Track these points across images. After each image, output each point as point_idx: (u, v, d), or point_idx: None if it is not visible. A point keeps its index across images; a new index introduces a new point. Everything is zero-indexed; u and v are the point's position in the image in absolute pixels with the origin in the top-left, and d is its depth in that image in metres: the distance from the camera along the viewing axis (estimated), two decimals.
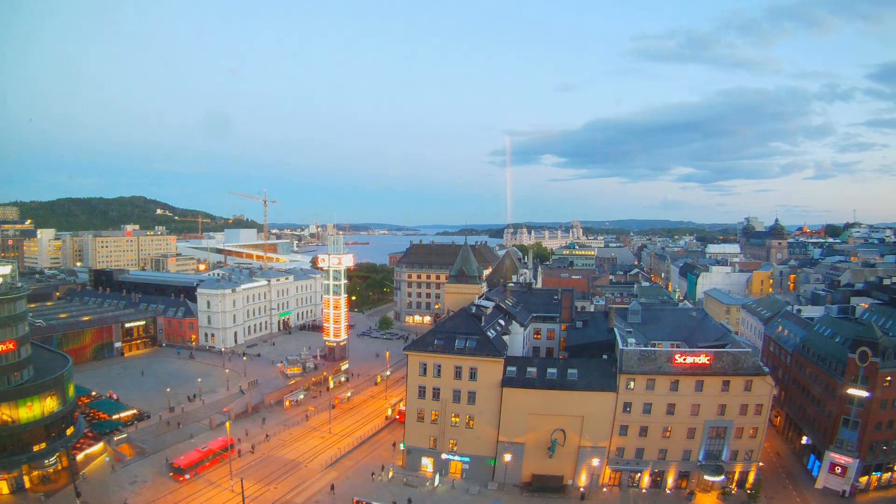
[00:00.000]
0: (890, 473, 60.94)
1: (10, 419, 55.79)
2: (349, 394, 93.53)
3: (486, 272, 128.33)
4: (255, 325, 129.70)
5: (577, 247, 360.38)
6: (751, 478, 59.97)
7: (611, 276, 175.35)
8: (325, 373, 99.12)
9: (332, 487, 60.49)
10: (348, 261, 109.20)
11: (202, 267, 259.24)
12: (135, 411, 77.24)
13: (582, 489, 60.15)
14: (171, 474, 61.63)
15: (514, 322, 74.47)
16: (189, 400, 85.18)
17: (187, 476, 61.10)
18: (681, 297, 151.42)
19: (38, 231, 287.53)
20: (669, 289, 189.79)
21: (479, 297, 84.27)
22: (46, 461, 58.06)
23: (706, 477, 59.39)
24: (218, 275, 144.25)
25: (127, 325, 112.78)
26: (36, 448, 56.86)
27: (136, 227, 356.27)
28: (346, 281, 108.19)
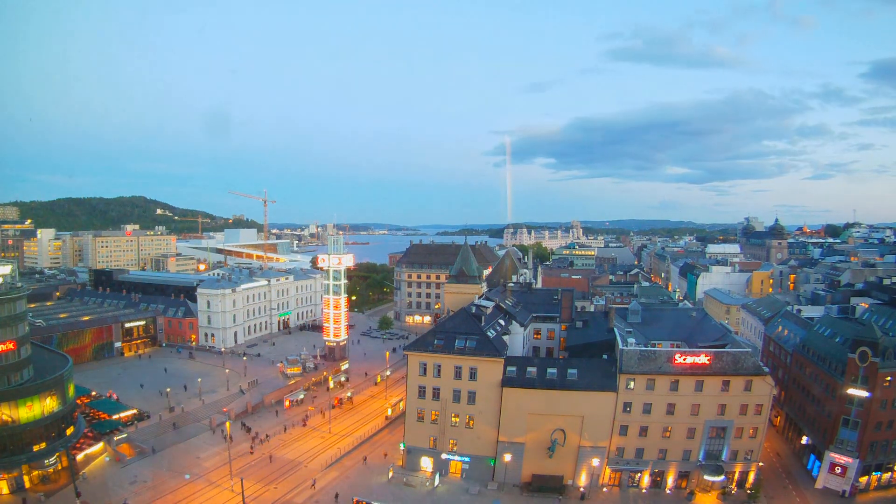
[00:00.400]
0: (890, 473, 60.94)
1: (10, 419, 55.82)
2: (349, 394, 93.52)
3: (486, 272, 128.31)
4: (255, 325, 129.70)
5: (577, 247, 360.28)
6: (751, 478, 59.97)
7: (611, 276, 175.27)
8: (325, 373, 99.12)
9: (336, 496, 59.27)
10: (348, 261, 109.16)
11: (202, 267, 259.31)
12: (135, 411, 77.27)
13: (582, 489, 60.15)
14: None
15: (514, 322, 74.46)
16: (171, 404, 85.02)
17: None
18: (681, 297, 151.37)
19: (38, 231, 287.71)
20: (669, 289, 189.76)
21: (479, 297, 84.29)
22: (46, 461, 58.10)
23: (706, 477, 59.40)
24: (218, 275, 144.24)
25: (127, 325, 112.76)
26: (36, 448, 56.92)
27: (136, 227, 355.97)
28: (346, 281, 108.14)
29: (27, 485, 56.87)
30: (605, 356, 64.14)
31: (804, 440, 67.89)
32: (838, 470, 60.35)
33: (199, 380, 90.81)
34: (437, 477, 63.08)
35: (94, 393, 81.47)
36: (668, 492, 60.59)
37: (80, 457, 63.17)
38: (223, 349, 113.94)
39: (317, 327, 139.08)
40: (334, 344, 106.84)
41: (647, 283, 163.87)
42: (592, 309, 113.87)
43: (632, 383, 59.10)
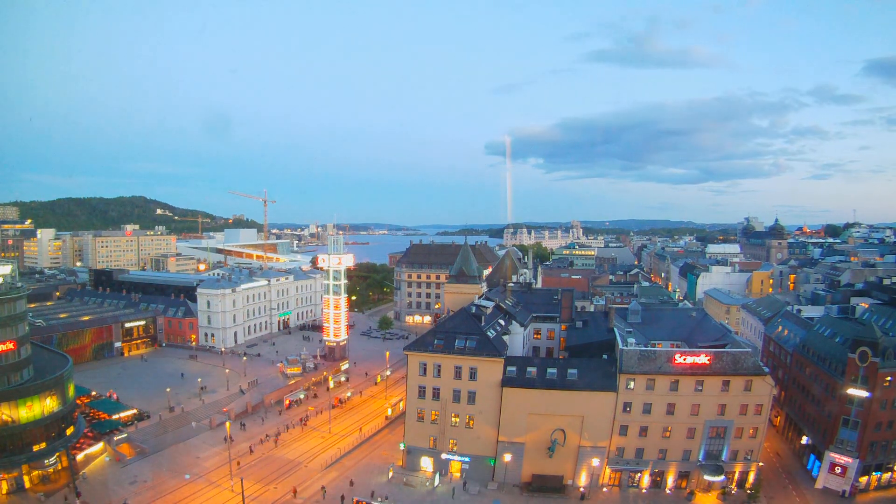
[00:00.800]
0: (890, 473, 60.96)
1: (10, 419, 55.80)
2: (349, 394, 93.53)
3: (486, 272, 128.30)
4: (255, 325, 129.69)
5: (577, 247, 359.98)
6: (751, 478, 59.97)
7: (611, 276, 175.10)
8: (325, 373, 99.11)
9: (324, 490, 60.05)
10: (348, 261, 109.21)
11: (202, 267, 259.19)
12: (135, 411, 77.29)
13: (582, 489, 60.15)
14: None
15: (514, 322, 74.47)
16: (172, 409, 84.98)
17: None
18: (681, 297, 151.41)
19: (38, 231, 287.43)
20: (669, 289, 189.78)
21: (479, 297, 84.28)
22: (46, 461, 58.06)
23: (706, 477, 59.39)
24: (218, 275, 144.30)
25: (127, 325, 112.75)
26: (36, 448, 56.87)
27: (136, 227, 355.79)
28: (346, 281, 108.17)
29: (27, 485, 56.86)
30: (605, 356, 64.14)
31: (804, 440, 67.89)
32: (838, 470, 60.34)
33: (199, 380, 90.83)
34: (437, 477, 63.09)
35: (94, 393, 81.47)
36: (668, 492, 60.59)
37: (80, 457, 63.18)
38: (223, 349, 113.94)
39: (317, 327, 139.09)
40: (334, 344, 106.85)
41: (647, 283, 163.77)
42: (592, 309, 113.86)
43: (632, 383, 59.09)
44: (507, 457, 61.65)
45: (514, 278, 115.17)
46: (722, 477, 59.11)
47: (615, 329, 69.05)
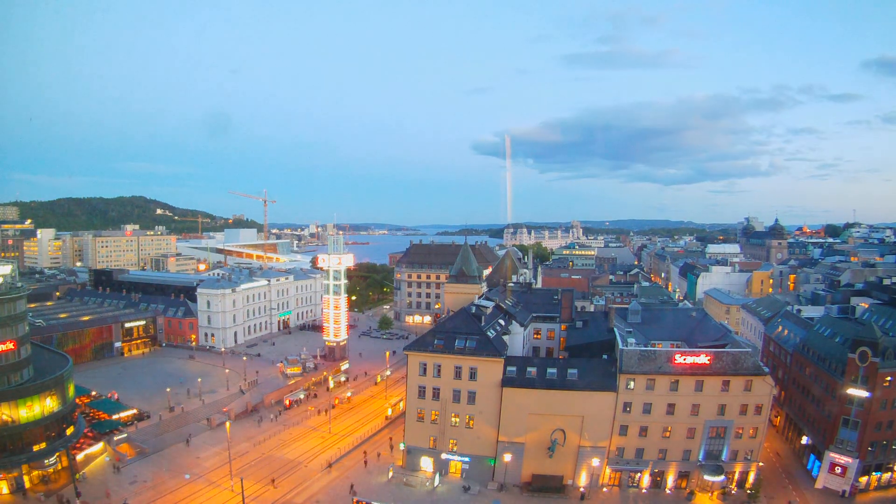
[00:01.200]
0: (890, 473, 60.99)
1: (10, 419, 55.78)
2: (349, 394, 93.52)
3: (486, 272, 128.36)
4: (255, 325, 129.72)
5: (577, 247, 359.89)
6: (751, 478, 59.97)
7: (611, 276, 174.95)
8: (325, 373, 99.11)
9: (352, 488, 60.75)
10: (348, 261, 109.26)
11: (202, 267, 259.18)
12: (135, 411, 77.30)
13: (582, 489, 60.16)
14: None
15: (514, 322, 74.46)
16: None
17: None
18: (681, 297, 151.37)
19: (38, 231, 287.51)
20: (669, 289, 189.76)
21: (479, 297, 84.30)
22: (46, 461, 58.06)
23: (706, 477, 59.40)
24: (218, 275, 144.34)
25: (127, 325, 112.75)
26: (36, 448, 56.85)
27: (136, 227, 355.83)
28: (346, 281, 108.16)
29: (27, 485, 56.84)
30: (605, 356, 64.15)
31: (804, 440, 67.91)
32: (838, 470, 60.35)
33: (199, 380, 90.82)
34: (437, 477, 63.10)
35: (94, 393, 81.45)
36: (668, 492, 60.60)
37: (80, 457, 63.20)
38: (223, 349, 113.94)
39: (317, 327, 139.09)
40: (334, 344, 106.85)
41: (647, 283, 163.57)
42: (592, 309, 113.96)
43: (632, 383, 59.09)
44: (507, 457, 61.65)
45: (514, 278, 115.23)
46: (722, 477, 59.12)
47: (615, 329, 69.07)
